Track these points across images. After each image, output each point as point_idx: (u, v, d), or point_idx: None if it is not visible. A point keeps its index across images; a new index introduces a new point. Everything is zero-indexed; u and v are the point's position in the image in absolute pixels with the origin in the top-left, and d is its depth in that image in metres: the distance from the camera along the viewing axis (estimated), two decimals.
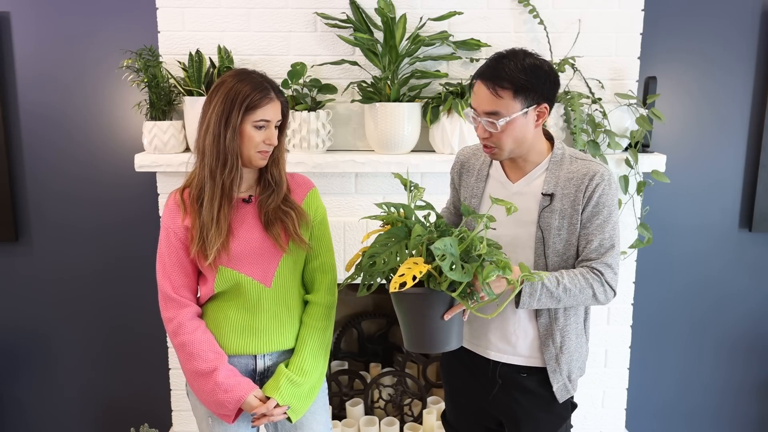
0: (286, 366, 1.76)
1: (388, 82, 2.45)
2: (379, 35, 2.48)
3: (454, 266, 1.44)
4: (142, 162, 2.44)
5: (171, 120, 2.51)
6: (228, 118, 1.62)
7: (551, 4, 2.52)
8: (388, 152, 2.50)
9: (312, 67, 2.54)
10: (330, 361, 2.74)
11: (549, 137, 1.73)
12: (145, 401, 2.92)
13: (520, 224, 1.69)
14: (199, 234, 1.67)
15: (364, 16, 2.48)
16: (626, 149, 2.56)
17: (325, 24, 2.51)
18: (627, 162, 2.49)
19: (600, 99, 2.51)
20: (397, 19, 2.45)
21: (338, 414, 2.92)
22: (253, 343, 1.77)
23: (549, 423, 1.77)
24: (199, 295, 1.81)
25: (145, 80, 2.43)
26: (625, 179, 2.52)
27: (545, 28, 2.51)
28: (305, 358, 1.76)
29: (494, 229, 1.70)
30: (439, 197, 2.20)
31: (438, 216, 1.65)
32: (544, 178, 1.67)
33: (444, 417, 2.00)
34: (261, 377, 1.81)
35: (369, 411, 2.87)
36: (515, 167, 1.71)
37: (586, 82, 2.56)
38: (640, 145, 2.51)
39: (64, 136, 2.71)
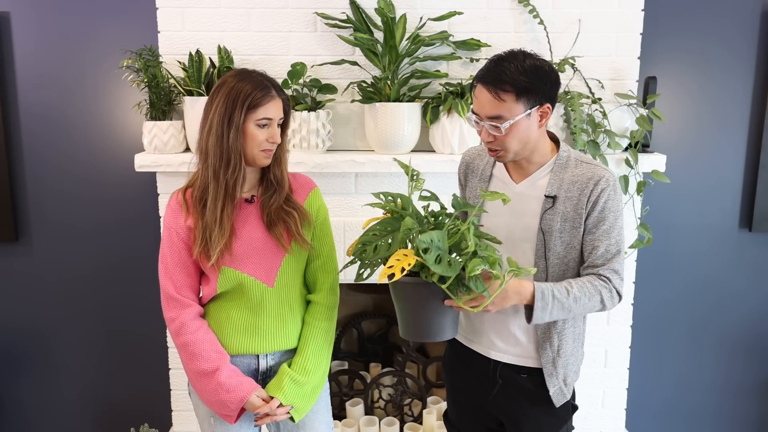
0: (289, 365, 1.77)
1: (388, 82, 2.45)
2: (379, 35, 2.48)
3: (440, 260, 1.44)
4: (142, 162, 2.44)
5: (171, 120, 2.51)
6: (231, 117, 1.62)
7: (551, 4, 2.53)
8: (388, 152, 2.50)
9: (312, 67, 2.54)
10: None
11: (554, 139, 1.73)
12: (145, 401, 2.92)
13: (521, 225, 1.69)
14: (202, 234, 1.67)
15: (364, 16, 2.48)
16: (626, 149, 2.56)
17: (325, 24, 2.51)
18: (627, 162, 2.49)
19: (600, 99, 2.51)
20: (397, 19, 2.45)
21: (338, 414, 2.92)
22: (255, 343, 1.77)
23: (549, 424, 1.77)
24: (201, 295, 1.81)
25: (145, 80, 2.43)
26: (625, 179, 2.52)
27: (545, 28, 2.51)
28: (308, 357, 1.77)
29: (482, 225, 1.71)
30: (438, 197, 2.19)
31: (442, 207, 1.64)
32: (548, 180, 1.67)
33: (446, 416, 2.00)
34: (263, 377, 1.81)
35: (369, 411, 2.87)
36: (519, 168, 1.71)
37: (586, 82, 2.56)
38: (640, 145, 2.51)
39: (64, 136, 2.71)
